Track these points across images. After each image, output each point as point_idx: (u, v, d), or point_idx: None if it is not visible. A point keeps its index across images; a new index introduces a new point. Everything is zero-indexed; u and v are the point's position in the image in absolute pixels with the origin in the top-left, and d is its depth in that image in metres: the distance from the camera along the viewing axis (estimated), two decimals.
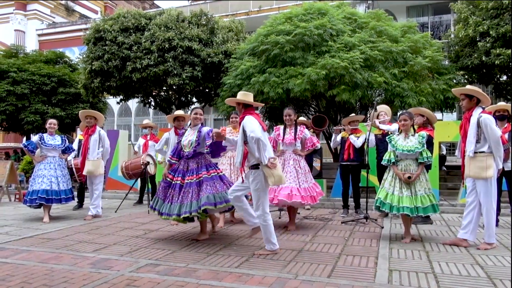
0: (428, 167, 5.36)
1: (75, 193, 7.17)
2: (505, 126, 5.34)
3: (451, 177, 9.66)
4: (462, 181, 4.61)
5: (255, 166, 3.88)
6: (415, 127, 4.84)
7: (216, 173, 4.55)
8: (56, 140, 6.26)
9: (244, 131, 3.87)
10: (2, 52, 15.00)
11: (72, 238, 4.82)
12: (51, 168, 6.07)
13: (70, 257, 3.89)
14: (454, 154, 11.64)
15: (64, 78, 13.89)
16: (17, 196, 9.17)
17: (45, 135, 6.21)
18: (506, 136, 5.22)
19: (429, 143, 5.48)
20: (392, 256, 3.89)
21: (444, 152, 11.05)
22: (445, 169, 10.42)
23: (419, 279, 3.16)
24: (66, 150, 6.41)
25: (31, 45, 21.02)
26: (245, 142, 3.84)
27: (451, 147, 12.89)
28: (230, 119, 5.94)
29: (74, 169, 6.62)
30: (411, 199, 4.44)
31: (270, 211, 6.65)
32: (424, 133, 4.71)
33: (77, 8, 26.03)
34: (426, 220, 5.64)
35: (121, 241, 4.64)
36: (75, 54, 19.35)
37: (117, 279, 3.19)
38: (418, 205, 4.41)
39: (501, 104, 5.82)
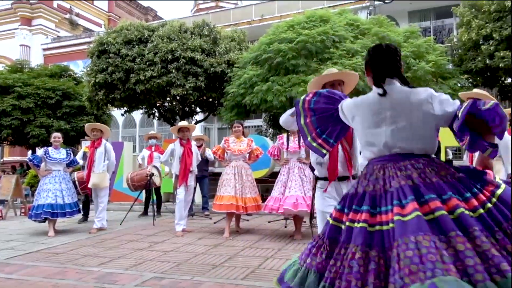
0: None
1: (80, 206, 7.17)
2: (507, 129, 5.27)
3: None
4: None
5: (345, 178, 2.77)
6: None
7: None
8: (61, 153, 6.26)
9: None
10: (7, 68, 15.15)
11: (77, 252, 4.79)
12: (56, 182, 6.06)
13: (75, 272, 3.85)
14: (462, 159, 11.52)
15: (68, 91, 13.97)
16: (23, 210, 9.17)
17: (50, 149, 6.22)
18: None
19: (438, 148, 5.41)
20: None
21: (451, 157, 10.90)
22: None
23: None
24: (71, 164, 6.41)
25: (36, 60, 21.21)
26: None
27: (458, 151, 12.76)
28: (233, 129, 5.92)
29: (77, 182, 6.60)
30: None
31: (275, 221, 6.66)
32: None
33: (81, 22, 26.32)
34: None
35: (126, 254, 4.60)
36: (79, 67, 19.50)
37: None
38: None
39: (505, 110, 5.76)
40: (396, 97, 1.87)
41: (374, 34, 9.05)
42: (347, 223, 1.78)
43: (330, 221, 1.90)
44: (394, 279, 1.49)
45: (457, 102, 1.86)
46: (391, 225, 1.62)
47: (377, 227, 1.67)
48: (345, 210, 1.85)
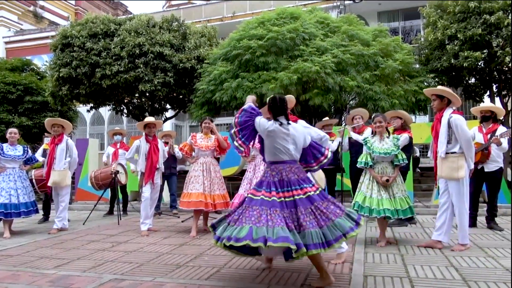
0: (406, 168, 5.37)
1: (40, 206, 6.82)
2: (490, 126, 5.38)
3: (425, 178, 9.76)
4: (435, 182, 4.60)
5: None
6: (391, 129, 4.83)
7: None
8: (17, 150, 5.92)
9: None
10: None
11: (33, 254, 4.53)
12: (11, 180, 5.71)
13: (28, 275, 3.62)
14: (427, 156, 11.80)
15: (31, 86, 13.37)
16: None
17: (5, 145, 5.86)
18: (489, 136, 5.25)
19: (410, 144, 5.51)
20: (367, 261, 3.80)
21: (418, 154, 11.17)
22: (419, 170, 10.52)
23: (394, 284, 3.08)
24: (28, 161, 6.08)
25: None
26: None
27: (424, 149, 13.09)
28: (203, 124, 5.77)
29: (34, 181, 6.27)
30: (391, 201, 4.40)
31: None
32: (405, 135, 4.84)
33: (46, 15, 25.31)
34: (402, 222, 5.61)
35: (86, 255, 4.39)
36: (44, 61, 18.76)
37: None
38: (398, 207, 4.37)
39: (485, 105, 5.90)
40: (291, 128, 3.23)
41: (343, 32, 9.10)
42: (275, 198, 3.07)
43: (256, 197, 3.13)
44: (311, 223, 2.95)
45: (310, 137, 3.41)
46: (301, 196, 3.06)
47: (290, 198, 3.07)
48: (266, 190, 3.12)
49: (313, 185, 3.19)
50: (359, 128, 6.18)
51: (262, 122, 3.22)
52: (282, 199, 3.06)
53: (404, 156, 4.60)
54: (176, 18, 11.12)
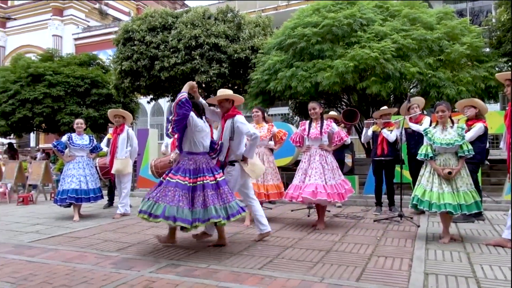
0: (480, 159, 5.03)
1: (105, 192, 7.26)
2: None
3: (495, 171, 9.04)
4: (507, 176, 4.21)
5: (232, 163, 4.26)
6: (462, 119, 4.53)
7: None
8: (84, 140, 6.33)
9: (233, 128, 4.14)
10: (39, 57, 15.54)
11: (98, 237, 4.83)
12: (80, 168, 6.14)
13: (93, 256, 3.87)
14: (498, 147, 10.91)
15: (96, 79, 14.21)
16: (53, 195, 9.42)
17: (73, 135, 6.30)
18: None
19: (485, 135, 5.14)
20: (429, 258, 3.58)
21: (487, 145, 10.36)
22: (488, 163, 9.74)
23: (458, 284, 2.87)
24: (94, 150, 6.48)
25: (68, 49, 21.74)
26: (231, 138, 4.14)
27: (494, 139, 12.11)
28: (252, 114, 5.79)
29: (98, 168, 6.66)
30: (453, 195, 4.09)
31: (298, 209, 6.50)
32: (480, 124, 4.76)
33: (110, 11, 26.70)
34: (468, 218, 5.23)
35: (146, 240, 4.60)
36: (108, 56, 19.84)
37: (136, 280, 3.11)
38: (461, 202, 4.06)
39: None
40: (207, 127, 4.07)
41: (404, 16, 8.61)
42: (187, 182, 3.81)
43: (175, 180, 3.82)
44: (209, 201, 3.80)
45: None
46: (208, 181, 3.85)
47: (200, 182, 3.84)
48: (182, 175, 3.83)
49: (219, 173, 3.97)
50: (416, 118, 5.85)
51: (196, 120, 3.87)
52: (193, 184, 3.80)
53: (470, 147, 4.24)
54: (231, 9, 11.19)
